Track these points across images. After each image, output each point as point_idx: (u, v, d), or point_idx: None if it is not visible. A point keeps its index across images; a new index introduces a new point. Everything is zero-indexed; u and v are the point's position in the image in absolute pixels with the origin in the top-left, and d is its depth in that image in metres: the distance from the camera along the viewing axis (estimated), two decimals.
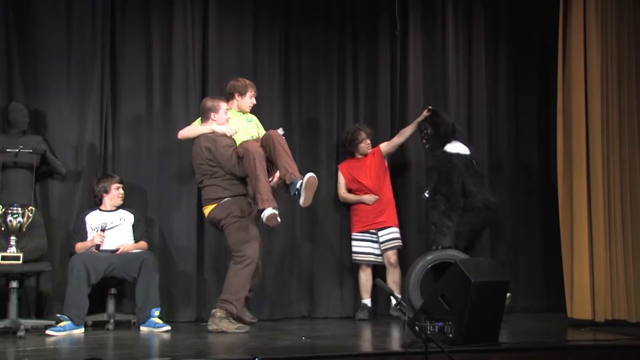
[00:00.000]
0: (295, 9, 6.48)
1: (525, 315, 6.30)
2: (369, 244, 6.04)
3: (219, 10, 6.22)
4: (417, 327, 4.11)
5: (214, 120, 5.27)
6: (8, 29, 5.71)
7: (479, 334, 4.24)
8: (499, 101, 6.86)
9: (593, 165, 5.43)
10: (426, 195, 5.91)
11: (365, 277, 6.04)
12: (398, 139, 6.20)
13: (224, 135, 5.21)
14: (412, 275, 5.65)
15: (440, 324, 4.21)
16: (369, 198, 6.05)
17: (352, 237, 6.12)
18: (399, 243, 6.05)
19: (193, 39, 6.11)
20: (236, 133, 5.26)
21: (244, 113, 5.54)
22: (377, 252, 6.02)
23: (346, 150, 6.21)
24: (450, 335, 4.17)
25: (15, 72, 5.70)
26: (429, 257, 5.67)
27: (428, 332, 4.13)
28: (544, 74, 6.88)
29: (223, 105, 5.31)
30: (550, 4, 6.13)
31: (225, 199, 5.11)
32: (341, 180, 6.21)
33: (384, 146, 6.19)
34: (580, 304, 5.35)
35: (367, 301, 6.03)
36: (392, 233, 6.03)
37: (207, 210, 5.19)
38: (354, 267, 6.21)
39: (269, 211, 4.93)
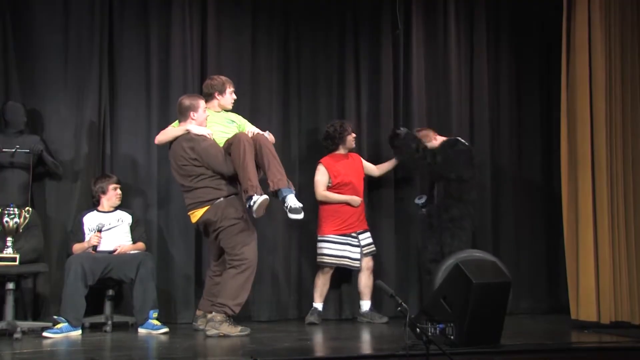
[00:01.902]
0: (294, 8, 6.44)
1: (528, 317, 6.26)
2: (346, 247, 5.81)
3: (217, 11, 6.18)
4: (418, 329, 4.05)
5: (193, 119, 5.07)
6: (5, 27, 5.69)
7: (481, 335, 4.19)
8: (501, 100, 6.83)
9: (598, 167, 5.39)
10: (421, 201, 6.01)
11: (324, 282, 5.87)
12: (373, 169, 6.10)
13: (203, 136, 5.04)
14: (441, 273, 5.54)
15: (441, 325, 4.17)
16: (357, 200, 5.85)
17: (324, 238, 5.82)
18: (374, 248, 5.98)
19: (192, 39, 6.07)
20: (212, 135, 5.10)
21: (226, 111, 5.39)
22: (355, 255, 5.81)
23: (332, 143, 5.94)
24: (452, 337, 4.13)
25: (13, 72, 5.69)
26: (464, 255, 5.56)
27: (429, 333, 4.08)
28: (546, 73, 6.88)
29: (202, 102, 5.14)
30: (553, 3, 6.09)
31: (219, 200, 4.96)
32: (324, 176, 5.86)
33: (364, 161, 6.10)
34: (585, 306, 5.31)
35: (319, 305, 5.88)
36: (369, 237, 5.94)
37: (199, 213, 4.99)
38: (347, 269, 6.03)
39: (261, 198, 4.80)
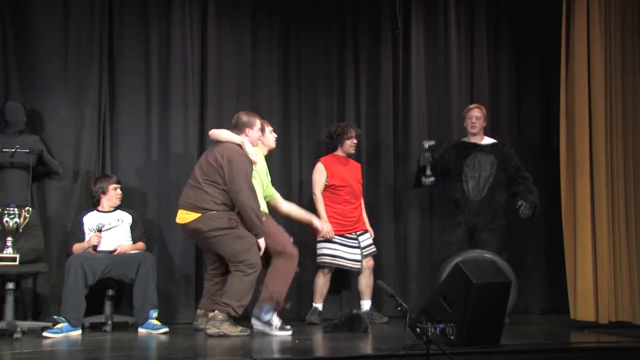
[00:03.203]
0: (294, 9, 6.44)
1: (527, 317, 6.26)
2: (345, 248, 5.81)
3: (217, 11, 6.18)
4: (418, 329, 4.05)
5: (247, 136, 5.12)
6: (5, 27, 5.69)
7: (481, 335, 4.19)
8: (501, 100, 6.84)
9: (596, 166, 5.40)
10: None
11: (324, 282, 5.87)
12: None
13: (249, 158, 5.05)
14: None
15: (441, 325, 4.16)
16: (329, 232, 5.70)
17: (323, 239, 5.81)
18: (375, 249, 5.98)
19: (192, 39, 6.08)
20: (256, 164, 5.12)
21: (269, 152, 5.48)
22: (355, 257, 5.82)
23: (330, 142, 5.95)
24: (452, 337, 4.13)
25: (12, 71, 5.69)
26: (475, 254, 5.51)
27: (429, 333, 4.08)
28: (546, 73, 6.88)
29: (258, 122, 5.20)
30: (552, 3, 6.09)
31: (211, 212, 4.95)
32: (322, 175, 5.82)
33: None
34: (583, 306, 5.31)
35: (319, 305, 5.89)
36: (369, 238, 5.94)
37: (189, 217, 4.98)
38: (345, 270, 6.03)
39: (287, 331, 5.02)
